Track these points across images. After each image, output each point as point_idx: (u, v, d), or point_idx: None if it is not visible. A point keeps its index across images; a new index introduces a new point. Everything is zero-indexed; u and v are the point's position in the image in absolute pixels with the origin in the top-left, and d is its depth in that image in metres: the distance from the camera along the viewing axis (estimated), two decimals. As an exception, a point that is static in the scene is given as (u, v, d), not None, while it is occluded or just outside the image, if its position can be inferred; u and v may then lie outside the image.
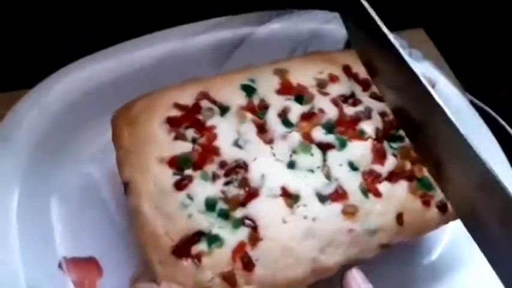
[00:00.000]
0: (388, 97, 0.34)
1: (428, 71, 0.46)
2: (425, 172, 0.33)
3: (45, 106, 0.37)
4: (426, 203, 0.33)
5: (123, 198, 0.38)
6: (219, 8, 0.45)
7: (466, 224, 0.31)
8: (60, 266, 0.35)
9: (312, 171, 0.32)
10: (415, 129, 0.32)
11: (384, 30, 0.31)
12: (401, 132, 0.34)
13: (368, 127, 0.34)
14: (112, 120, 0.34)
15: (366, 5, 0.32)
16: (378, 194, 0.32)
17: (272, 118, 0.33)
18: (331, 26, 0.46)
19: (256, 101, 0.34)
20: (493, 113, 0.52)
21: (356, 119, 0.34)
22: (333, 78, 0.36)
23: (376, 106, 0.35)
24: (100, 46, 0.41)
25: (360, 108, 0.35)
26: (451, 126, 0.29)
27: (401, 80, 0.32)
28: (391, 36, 0.31)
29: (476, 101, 0.52)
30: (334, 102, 0.34)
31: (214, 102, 0.33)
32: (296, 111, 0.33)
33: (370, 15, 0.32)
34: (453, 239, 0.40)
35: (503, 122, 0.52)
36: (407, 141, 0.34)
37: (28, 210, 0.35)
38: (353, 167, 0.32)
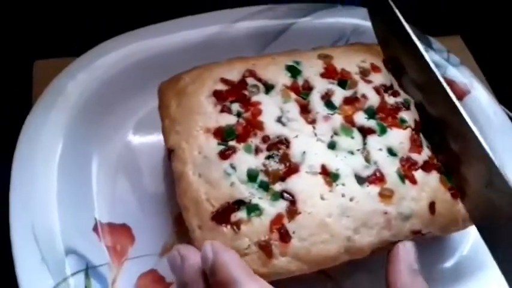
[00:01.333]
0: (410, 94, 0.36)
1: (465, 77, 0.47)
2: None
3: (95, 71, 0.39)
4: (454, 196, 0.33)
5: (160, 169, 0.39)
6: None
7: (479, 228, 0.31)
8: (95, 229, 0.36)
9: (351, 153, 0.32)
10: (434, 127, 0.34)
11: (408, 30, 0.34)
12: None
13: (407, 117, 0.34)
14: (159, 90, 0.35)
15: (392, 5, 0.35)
16: (413, 181, 0.32)
17: (315, 99, 0.34)
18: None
19: (300, 82, 0.34)
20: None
21: (396, 108, 0.35)
22: (375, 68, 0.36)
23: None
24: (150, 21, 0.42)
25: (399, 99, 0.35)
26: (467, 126, 0.30)
27: (422, 78, 0.34)
28: (414, 37, 0.33)
29: (511, 114, 0.52)
30: (377, 90, 0.35)
31: (259, 79, 0.34)
32: (339, 94, 0.34)
33: (397, 15, 0.34)
34: (477, 242, 0.40)
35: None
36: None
37: (69, 167, 0.36)
38: (392, 152, 0.33)
